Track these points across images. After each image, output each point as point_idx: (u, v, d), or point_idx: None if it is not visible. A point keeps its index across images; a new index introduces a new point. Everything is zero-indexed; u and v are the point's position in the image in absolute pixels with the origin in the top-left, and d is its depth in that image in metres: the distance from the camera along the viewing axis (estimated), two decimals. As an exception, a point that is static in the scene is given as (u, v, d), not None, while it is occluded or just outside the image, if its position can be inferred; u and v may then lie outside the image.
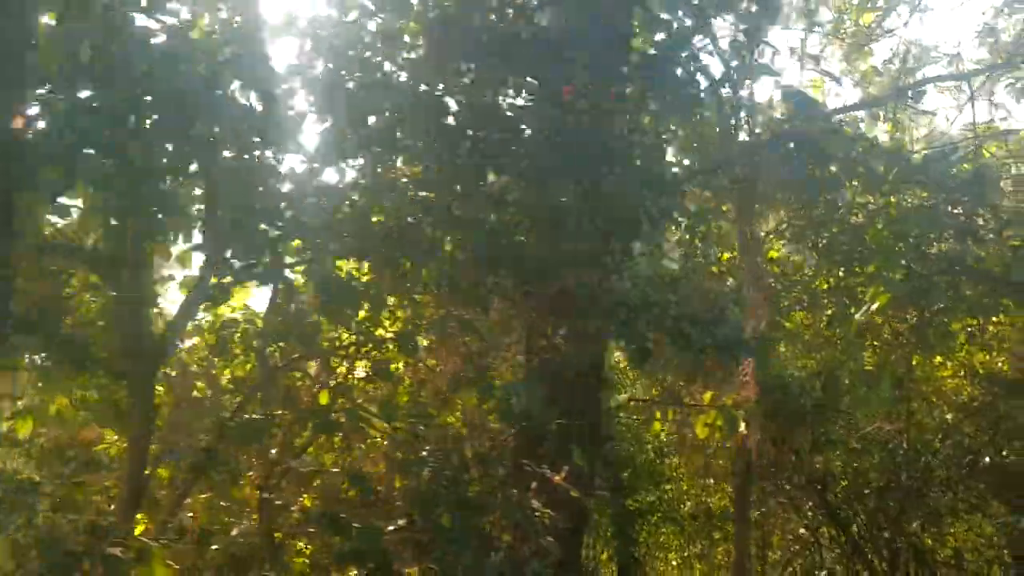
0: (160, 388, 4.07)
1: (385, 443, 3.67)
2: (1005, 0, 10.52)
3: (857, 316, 7.12)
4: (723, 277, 9.75)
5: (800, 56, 10.85)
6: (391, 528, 2.93)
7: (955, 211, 8.44)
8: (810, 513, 13.00)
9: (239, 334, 4.16)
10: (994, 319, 9.58)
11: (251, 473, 3.72)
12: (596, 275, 3.59)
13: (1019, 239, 9.29)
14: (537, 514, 3.83)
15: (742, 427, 6.31)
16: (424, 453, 3.30)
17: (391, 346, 3.82)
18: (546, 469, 3.85)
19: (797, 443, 11.95)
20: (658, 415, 6.22)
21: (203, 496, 3.52)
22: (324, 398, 4.15)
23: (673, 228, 6.68)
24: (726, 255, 9.48)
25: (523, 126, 3.57)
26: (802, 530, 13.49)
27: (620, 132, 3.81)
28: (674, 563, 15.63)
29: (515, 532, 3.60)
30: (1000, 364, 9.83)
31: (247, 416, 3.28)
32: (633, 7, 4.15)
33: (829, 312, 8.30)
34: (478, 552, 3.01)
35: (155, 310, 3.75)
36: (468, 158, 3.51)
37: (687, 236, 7.70)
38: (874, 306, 6.50)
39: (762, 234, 11.75)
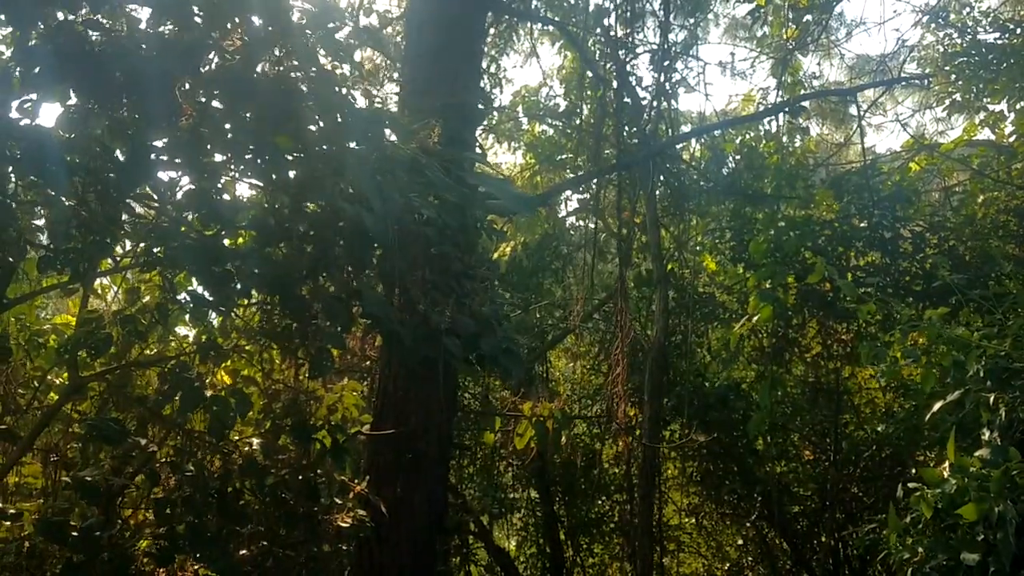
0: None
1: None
2: (930, 16, 10.61)
3: (736, 329, 7.20)
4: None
5: (730, 70, 10.96)
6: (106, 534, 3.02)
7: (862, 224, 8.50)
8: (750, 525, 13.08)
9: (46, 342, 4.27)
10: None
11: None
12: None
13: (937, 251, 9.40)
14: (341, 523, 3.91)
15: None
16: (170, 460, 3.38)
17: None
18: (348, 479, 3.93)
19: (735, 454, 12.09)
20: (499, 424, 6.30)
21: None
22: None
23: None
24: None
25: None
26: (740, 541, 13.58)
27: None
28: (629, 574, 15.61)
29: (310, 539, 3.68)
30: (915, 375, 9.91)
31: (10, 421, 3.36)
32: None
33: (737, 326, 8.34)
34: (228, 558, 3.10)
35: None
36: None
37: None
38: (755, 319, 6.58)
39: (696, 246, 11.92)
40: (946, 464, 4.68)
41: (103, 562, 2.89)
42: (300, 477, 3.55)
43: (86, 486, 3.02)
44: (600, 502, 13.14)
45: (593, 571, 14.42)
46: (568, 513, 13.21)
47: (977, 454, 4.23)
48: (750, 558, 14.58)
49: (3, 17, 2.76)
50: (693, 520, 14.36)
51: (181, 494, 3.20)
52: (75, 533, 2.86)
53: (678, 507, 14.29)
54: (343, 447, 3.69)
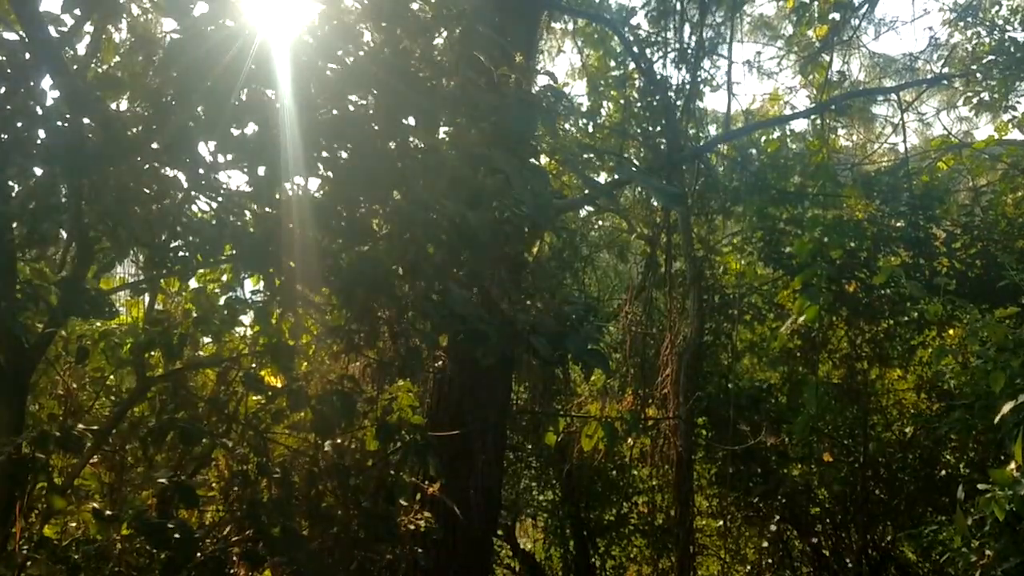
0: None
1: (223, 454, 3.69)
2: (958, 14, 10.56)
3: (782, 330, 7.15)
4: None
5: (756, 69, 10.93)
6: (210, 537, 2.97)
7: (898, 224, 8.46)
8: (774, 527, 13.01)
9: (121, 342, 4.22)
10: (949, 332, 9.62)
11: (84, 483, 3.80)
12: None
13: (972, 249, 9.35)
14: (410, 525, 3.86)
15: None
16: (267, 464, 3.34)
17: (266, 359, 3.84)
18: (423, 481, 3.89)
19: (759, 455, 12.03)
20: (562, 426, 6.24)
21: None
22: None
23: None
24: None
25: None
26: (765, 544, 13.50)
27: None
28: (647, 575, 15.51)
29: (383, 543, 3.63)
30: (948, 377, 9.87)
31: (82, 427, 3.31)
32: None
33: (774, 325, 8.31)
34: (317, 561, 3.05)
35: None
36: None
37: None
38: (800, 319, 6.53)
39: (723, 247, 11.86)
40: (1012, 466, 4.64)
41: (199, 564, 2.85)
42: (379, 479, 3.50)
43: (185, 489, 2.97)
44: (620, 504, 13.06)
45: (613, 573, 14.35)
46: (585, 515, 13.15)
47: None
48: (770, 560, 14.51)
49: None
50: (713, 522, 14.29)
51: (270, 496, 3.15)
52: (177, 535, 2.81)
53: (699, 509, 14.20)
54: (426, 447, 3.64)
